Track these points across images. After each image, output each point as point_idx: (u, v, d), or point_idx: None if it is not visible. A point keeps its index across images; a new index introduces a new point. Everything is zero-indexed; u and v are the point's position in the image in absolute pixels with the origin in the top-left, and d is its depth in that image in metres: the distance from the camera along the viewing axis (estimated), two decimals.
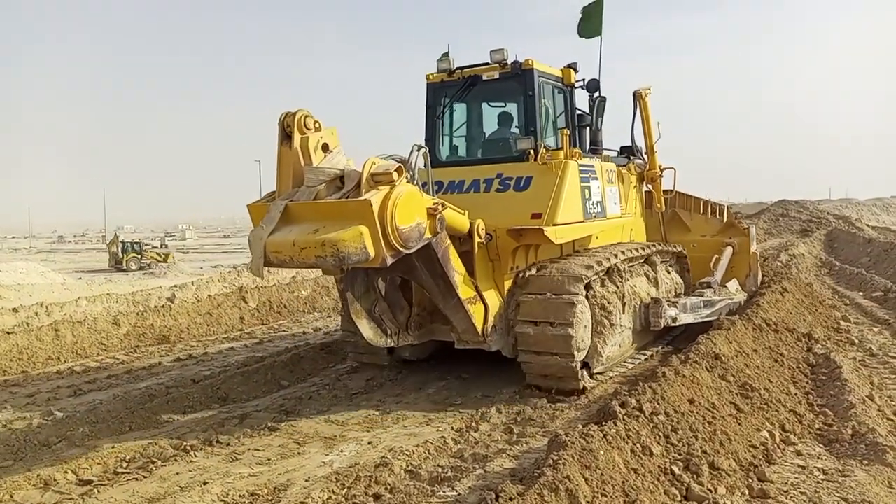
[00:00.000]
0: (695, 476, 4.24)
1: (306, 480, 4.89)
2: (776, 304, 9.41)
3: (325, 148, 5.52)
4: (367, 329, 6.55)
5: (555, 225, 6.97)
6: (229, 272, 13.91)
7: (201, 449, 5.60)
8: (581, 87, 8.42)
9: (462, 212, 6.51)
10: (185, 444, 5.65)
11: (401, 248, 5.40)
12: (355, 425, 6.13)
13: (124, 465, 5.30)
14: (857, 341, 8.77)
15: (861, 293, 13.08)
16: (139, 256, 38.85)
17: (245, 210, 5.83)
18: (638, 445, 4.37)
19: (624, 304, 7.70)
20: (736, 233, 10.89)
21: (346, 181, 5.36)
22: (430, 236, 5.78)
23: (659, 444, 4.52)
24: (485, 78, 7.87)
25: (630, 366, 7.76)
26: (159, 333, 10.51)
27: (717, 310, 9.01)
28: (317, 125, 5.48)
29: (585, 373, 6.90)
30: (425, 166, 6.12)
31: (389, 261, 5.35)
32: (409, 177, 5.62)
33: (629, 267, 8.04)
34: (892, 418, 5.76)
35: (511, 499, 3.42)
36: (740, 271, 10.57)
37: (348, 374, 7.98)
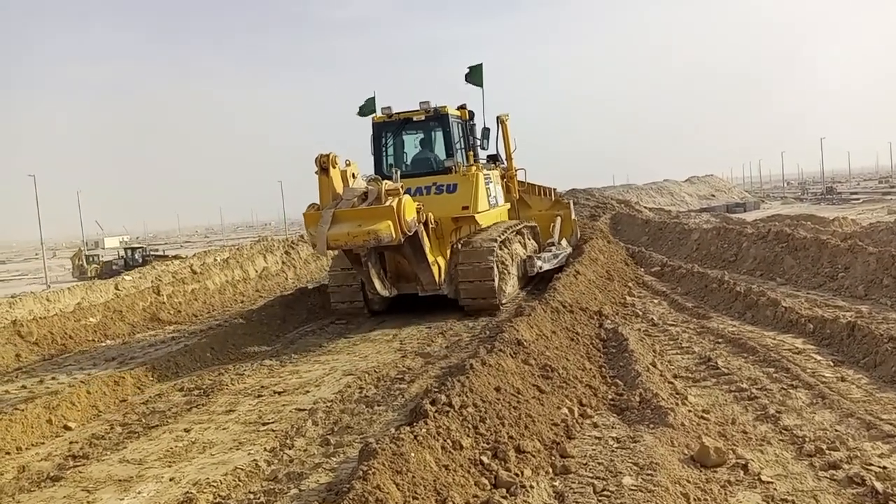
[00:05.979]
0: (502, 463, 4.37)
1: None
2: (570, 287, 10.11)
3: (353, 176, 9.26)
4: (378, 284, 9.86)
5: (478, 213, 11.43)
6: None
7: None
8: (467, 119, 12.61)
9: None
10: None
11: (407, 232, 8.87)
12: (155, 462, 5.60)
13: None
14: (640, 313, 9.68)
15: (643, 269, 14.49)
16: (99, 267, 42.26)
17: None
18: (448, 441, 4.42)
19: (513, 260, 11.95)
20: (561, 207, 15.82)
21: (369, 196, 8.83)
22: (418, 225, 9.26)
23: (468, 436, 4.61)
24: (414, 119, 12.17)
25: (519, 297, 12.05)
26: None
27: (560, 259, 13.58)
28: (347, 162, 9.23)
29: (499, 304, 10.78)
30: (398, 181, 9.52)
31: (402, 240, 8.88)
32: (402, 190, 9.01)
33: (512, 237, 12.33)
34: (671, 381, 6.39)
35: None
36: (566, 232, 15.42)
37: (145, 404, 7.32)
